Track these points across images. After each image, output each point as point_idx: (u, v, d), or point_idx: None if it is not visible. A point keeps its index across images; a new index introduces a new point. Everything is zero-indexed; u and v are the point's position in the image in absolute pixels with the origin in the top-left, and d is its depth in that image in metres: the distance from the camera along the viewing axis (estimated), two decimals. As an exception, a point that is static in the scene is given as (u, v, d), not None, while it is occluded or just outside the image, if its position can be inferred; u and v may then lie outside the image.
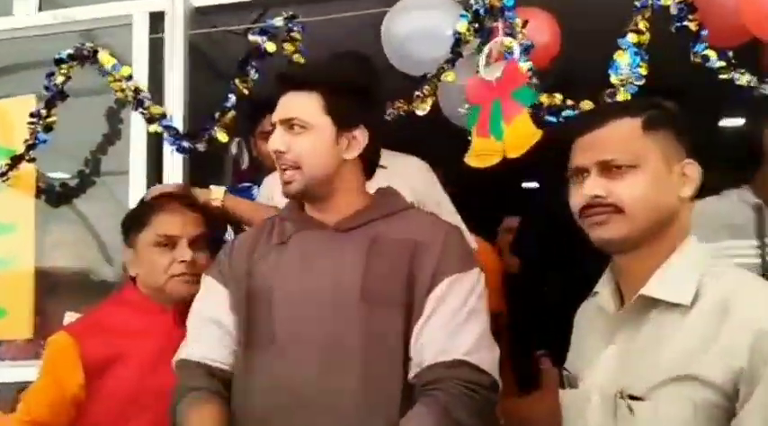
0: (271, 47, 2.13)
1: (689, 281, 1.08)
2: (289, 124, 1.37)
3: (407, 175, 1.85)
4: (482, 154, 1.83)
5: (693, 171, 1.13)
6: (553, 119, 1.84)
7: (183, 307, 1.57)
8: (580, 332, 1.31)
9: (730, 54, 1.79)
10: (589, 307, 1.29)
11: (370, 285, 1.32)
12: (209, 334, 1.42)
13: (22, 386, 1.88)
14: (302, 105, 1.37)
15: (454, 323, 1.30)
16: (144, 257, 1.65)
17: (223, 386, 1.39)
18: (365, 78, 1.43)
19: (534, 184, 5.94)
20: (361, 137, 1.39)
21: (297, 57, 2.14)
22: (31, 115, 2.22)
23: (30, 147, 2.25)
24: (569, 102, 1.84)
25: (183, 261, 1.60)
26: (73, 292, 2.42)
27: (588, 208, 1.13)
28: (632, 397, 1.06)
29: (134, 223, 1.68)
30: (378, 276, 1.33)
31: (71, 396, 1.58)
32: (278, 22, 2.12)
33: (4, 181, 2.29)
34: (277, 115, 1.39)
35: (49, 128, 2.25)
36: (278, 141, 1.38)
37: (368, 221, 1.40)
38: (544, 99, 1.84)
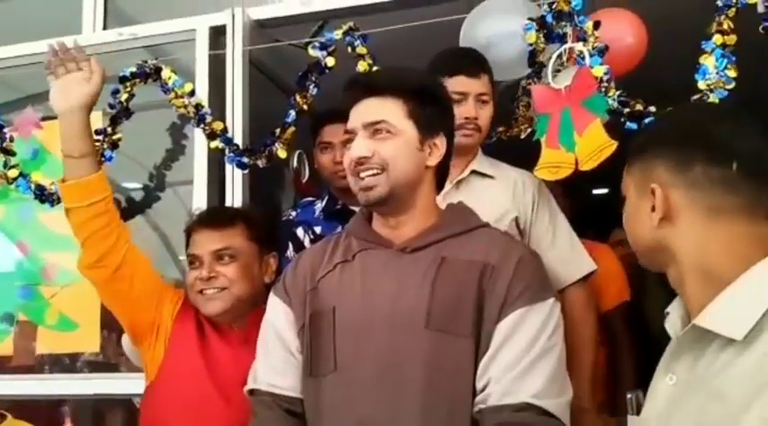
0: (331, 61, 2.06)
1: (748, 312, 0.89)
2: (373, 128, 1.31)
3: (516, 189, 1.80)
4: (553, 165, 1.72)
5: None
6: (634, 125, 1.71)
7: (249, 328, 1.60)
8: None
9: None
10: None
11: (435, 312, 1.24)
12: (277, 357, 1.39)
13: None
14: (388, 109, 1.32)
15: (523, 363, 1.21)
16: None
17: (294, 414, 1.35)
18: (441, 86, 1.39)
19: (604, 190, 5.66)
20: (441, 144, 1.35)
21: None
22: (97, 132, 2.22)
23: (96, 164, 2.26)
24: (652, 109, 1.70)
25: (200, 278, 1.63)
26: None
27: None
28: None
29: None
30: (444, 302, 1.25)
31: (155, 308, 1.67)
32: (337, 35, 2.06)
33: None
34: (359, 119, 1.33)
35: (114, 145, 2.26)
36: (362, 147, 1.31)
37: (436, 241, 1.32)
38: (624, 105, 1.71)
